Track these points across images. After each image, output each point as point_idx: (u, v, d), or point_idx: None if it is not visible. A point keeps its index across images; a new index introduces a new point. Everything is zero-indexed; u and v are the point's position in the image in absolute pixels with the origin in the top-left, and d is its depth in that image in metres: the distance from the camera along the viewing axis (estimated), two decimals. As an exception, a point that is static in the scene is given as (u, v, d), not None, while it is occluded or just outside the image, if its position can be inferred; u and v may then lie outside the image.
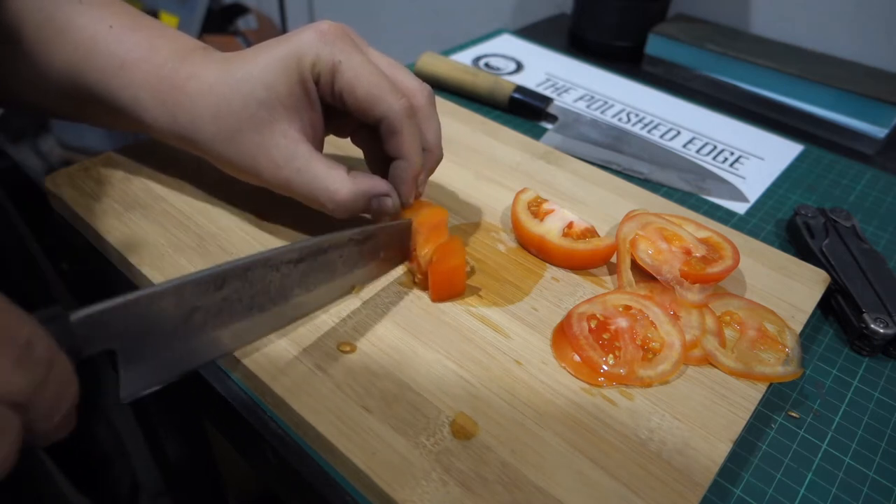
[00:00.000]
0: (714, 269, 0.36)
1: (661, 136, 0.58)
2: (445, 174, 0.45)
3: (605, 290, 0.37)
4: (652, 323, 0.34)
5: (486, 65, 0.68)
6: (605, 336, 0.33)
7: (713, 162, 0.55)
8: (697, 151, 0.56)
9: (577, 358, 0.32)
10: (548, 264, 0.39)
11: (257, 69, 0.33)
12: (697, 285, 0.36)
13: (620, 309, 0.35)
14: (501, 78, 0.60)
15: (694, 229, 0.40)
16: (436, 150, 0.36)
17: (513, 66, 0.68)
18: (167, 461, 0.62)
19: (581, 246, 0.37)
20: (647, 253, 0.37)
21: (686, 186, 0.51)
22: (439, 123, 0.37)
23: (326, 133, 0.38)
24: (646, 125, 0.59)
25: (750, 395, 0.32)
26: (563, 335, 0.33)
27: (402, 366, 0.31)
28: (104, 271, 0.38)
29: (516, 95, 0.58)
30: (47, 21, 0.35)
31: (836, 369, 0.37)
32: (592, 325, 0.33)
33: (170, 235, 0.37)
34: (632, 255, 0.37)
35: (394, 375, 0.31)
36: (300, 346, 0.32)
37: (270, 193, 0.36)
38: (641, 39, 0.71)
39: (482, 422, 0.29)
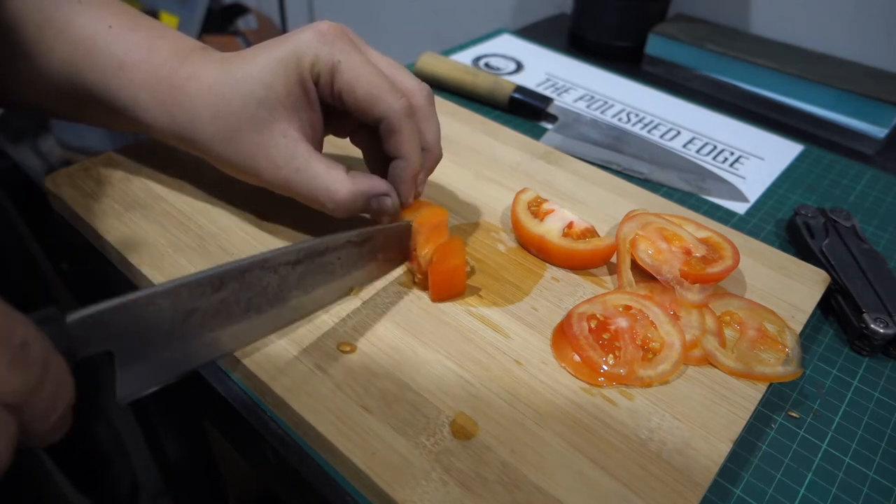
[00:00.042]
0: (714, 269, 0.36)
1: (661, 136, 0.58)
2: (445, 174, 0.45)
3: (605, 290, 0.37)
4: (652, 323, 0.34)
5: (486, 65, 0.68)
6: (605, 336, 0.33)
7: (713, 162, 0.55)
8: (697, 151, 0.56)
9: (577, 358, 0.32)
10: (548, 264, 0.38)
11: (256, 69, 0.33)
12: (697, 285, 0.36)
13: (620, 309, 0.35)
14: (501, 78, 0.60)
15: (694, 229, 0.40)
16: (435, 149, 0.36)
17: (513, 66, 0.68)
18: (167, 461, 0.62)
19: (581, 246, 0.37)
20: (647, 253, 0.37)
21: (686, 186, 0.51)
22: (438, 123, 0.37)
23: (326, 133, 0.38)
24: (646, 125, 0.59)
25: (750, 395, 0.32)
26: (563, 335, 0.33)
27: (402, 366, 0.31)
28: (104, 271, 0.38)
29: (516, 95, 0.58)
30: (47, 21, 0.35)
31: (836, 369, 0.37)
32: (592, 325, 0.33)
33: (170, 235, 0.37)
34: (632, 255, 0.37)
35: (394, 375, 0.31)
36: (300, 346, 0.32)
37: (270, 193, 0.36)
38: (641, 39, 0.71)
39: (482, 422, 0.29)
